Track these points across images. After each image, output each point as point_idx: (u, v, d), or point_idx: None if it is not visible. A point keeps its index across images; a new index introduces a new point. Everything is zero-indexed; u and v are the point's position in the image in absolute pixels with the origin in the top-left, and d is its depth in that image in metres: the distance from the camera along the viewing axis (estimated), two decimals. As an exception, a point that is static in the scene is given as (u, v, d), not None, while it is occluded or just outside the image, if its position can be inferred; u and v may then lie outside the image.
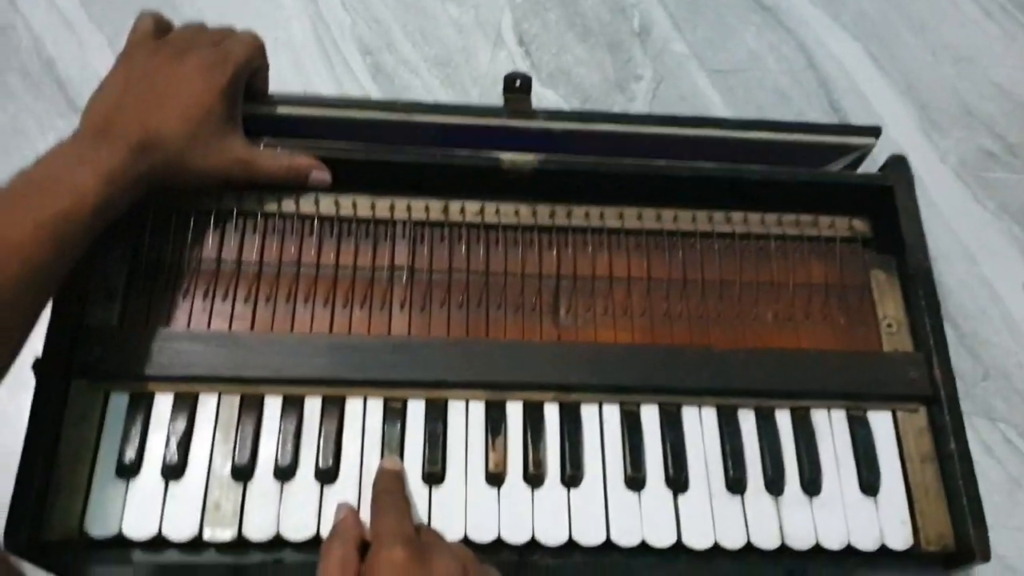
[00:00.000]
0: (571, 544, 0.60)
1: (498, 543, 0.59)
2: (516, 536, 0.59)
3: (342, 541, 0.54)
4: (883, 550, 0.61)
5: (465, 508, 0.60)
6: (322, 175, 0.68)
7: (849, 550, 0.61)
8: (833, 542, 0.61)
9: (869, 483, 0.63)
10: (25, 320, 0.56)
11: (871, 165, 0.77)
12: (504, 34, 1.01)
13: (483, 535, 0.59)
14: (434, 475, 0.60)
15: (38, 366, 0.60)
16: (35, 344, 0.59)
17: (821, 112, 1.00)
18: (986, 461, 0.87)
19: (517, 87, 0.72)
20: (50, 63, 0.97)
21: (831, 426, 0.64)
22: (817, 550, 0.61)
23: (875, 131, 0.74)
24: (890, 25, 1.06)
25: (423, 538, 0.55)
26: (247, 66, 0.67)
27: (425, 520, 0.60)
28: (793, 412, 0.64)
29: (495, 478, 0.61)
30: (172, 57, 0.65)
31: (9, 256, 0.54)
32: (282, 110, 0.71)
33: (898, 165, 0.71)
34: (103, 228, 0.60)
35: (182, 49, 0.66)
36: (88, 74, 0.96)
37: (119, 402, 0.61)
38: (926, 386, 0.65)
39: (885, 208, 0.70)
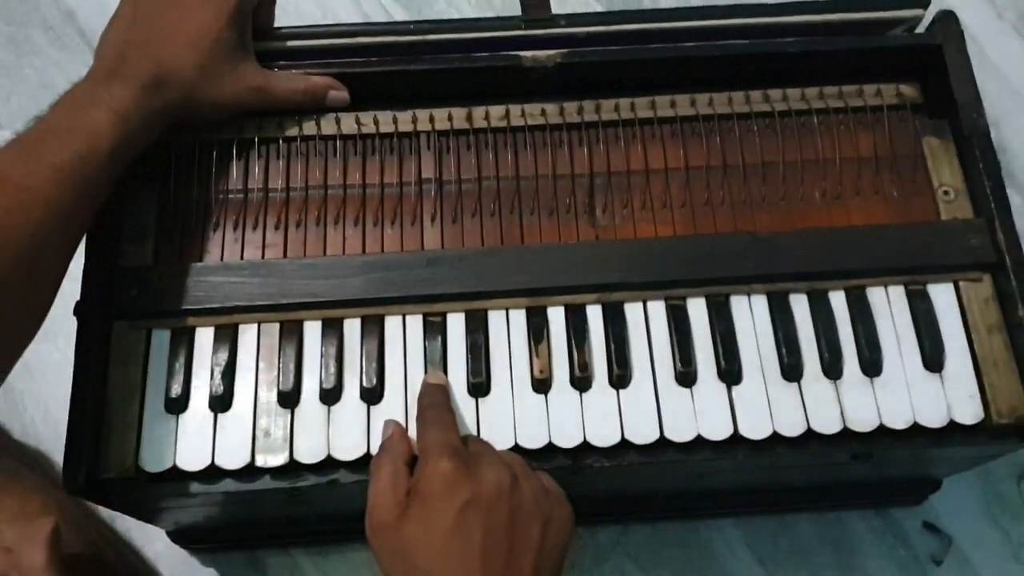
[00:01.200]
0: (624, 444, 0.58)
1: (550, 448, 0.58)
2: (567, 440, 0.58)
3: (391, 457, 0.54)
4: (952, 426, 0.59)
5: (513, 417, 0.59)
6: (340, 94, 0.66)
7: (916, 428, 0.59)
8: (898, 421, 0.58)
9: (933, 358, 0.60)
10: (56, 263, 0.56)
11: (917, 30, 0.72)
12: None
13: (533, 442, 0.58)
14: (479, 387, 0.59)
15: (78, 310, 0.60)
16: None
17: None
18: (1063, 331, 0.83)
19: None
20: (70, 14, 0.97)
21: (889, 303, 0.61)
22: (882, 431, 0.59)
23: (923, 1, 0.69)
24: None
25: (470, 448, 0.54)
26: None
27: (474, 432, 0.59)
28: (847, 292, 0.62)
29: (541, 384, 0.60)
30: None
31: (31, 201, 0.53)
32: (292, 44, 0.68)
33: (946, 21, 0.66)
34: (123, 167, 0.59)
35: None
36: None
37: (161, 339, 0.61)
38: (989, 252, 0.61)
39: (935, 69, 0.65)
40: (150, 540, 0.78)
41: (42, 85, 0.93)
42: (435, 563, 0.50)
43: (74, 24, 0.96)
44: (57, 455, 0.80)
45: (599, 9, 0.96)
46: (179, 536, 0.76)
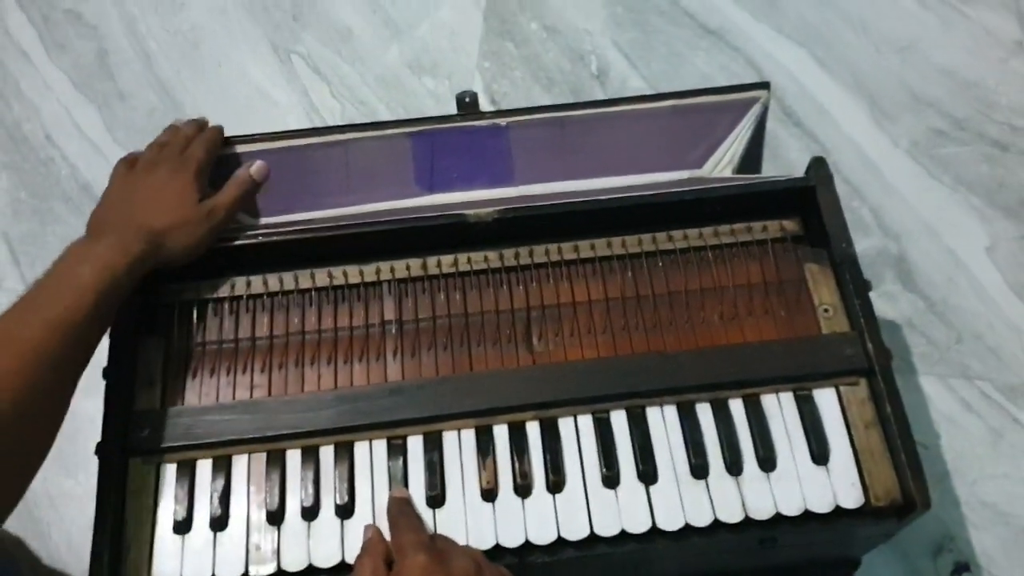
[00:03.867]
0: (561, 541, 0.69)
1: (497, 549, 0.69)
2: (512, 541, 0.68)
3: (371, 556, 0.64)
4: (838, 511, 0.69)
5: (465, 523, 0.69)
6: (258, 165, 0.83)
7: (807, 515, 0.69)
8: (791, 509, 0.69)
9: (819, 454, 0.70)
10: (50, 404, 0.66)
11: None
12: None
13: (483, 543, 0.68)
14: (435, 498, 0.70)
15: (99, 450, 0.71)
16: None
17: (776, 120, 1.08)
18: (966, 417, 0.94)
19: (467, 103, 0.88)
20: (87, 186, 1.11)
21: (780, 408, 0.72)
22: (778, 518, 0.69)
23: (764, 85, 0.85)
24: (831, 27, 1.14)
25: (438, 545, 0.65)
26: (209, 157, 0.81)
27: (432, 537, 0.69)
28: (745, 400, 0.72)
29: (488, 494, 0.70)
30: (145, 171, 0.79)
31: (26, 352, 0.64)
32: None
33: (818, 166, 0.79)
34: (112, 311, 0.71)
35: (152, 163, 0.80)
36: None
37: (168, 471, 0.72)
38: (862, 360, 0.72)
39: (810, 206, 0.78)
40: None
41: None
42: None
43: (90, 195, 1.11)
44: (80, 578, 0.90)
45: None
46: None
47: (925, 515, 0.70)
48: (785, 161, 1.05)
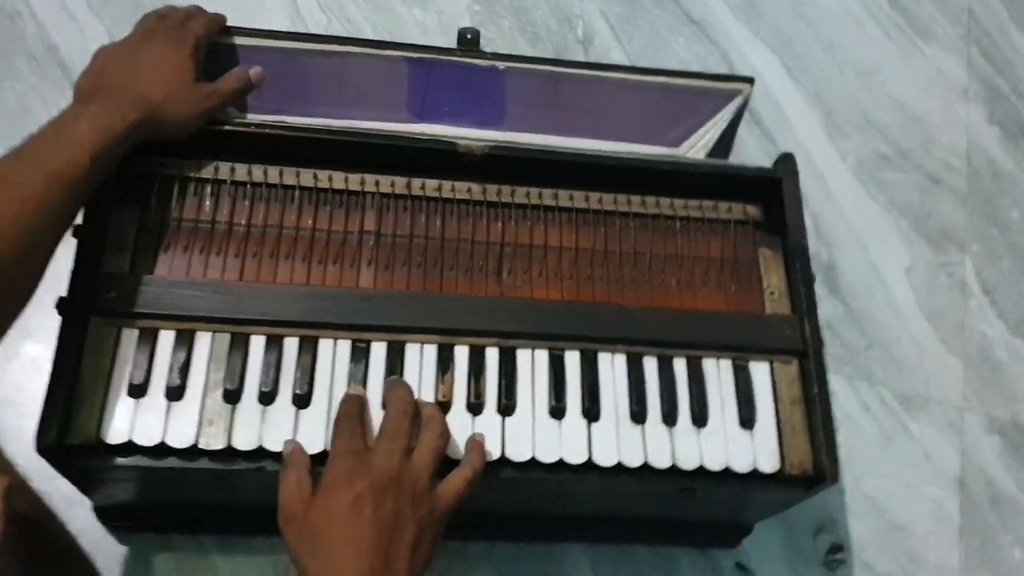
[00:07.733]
0: (503, 460, 0.73)
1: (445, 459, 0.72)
2: (457, 453, 0.72)
3: (295, 467, 0.67)
4: (755, 473, 0.75)
5: (417, 430, 0.73)
6: (257, 70, 0.85)
7: (727, 472, 0.75)
8: (714, 464, 0.75)
9: (747, 419, 0.77)
10: (46, 251, 0.67)
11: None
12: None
13: (430, 451, 0.72)
14: (391, 403, 0.73)
15: (61, 306, 0.72)
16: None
17: (740, 116, 1.14)
18: (864, 418, 1.02)
19: (468, 39, 0.90)
20: (54, 49, 1.08)
21: (719, 372, 0.78)
22: (701, 471, 0.75)
23: (749, 79, 0.90)
24: (803, 40, 1.21)
25: (367, 454, 0.67)
26: (207, 37, 0.82)
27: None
28: (688, 360, 0.78)
29: (442, 406, 0.74)
30: (142, 40, 0.80)
31: (29, 199, 0.65)
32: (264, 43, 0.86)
33: (786, 161, 0.85)
34: (103, 173, 0.71)
35: (150, 31, 0.81)
36: (89, 60, 1.07)
37: (130, 336, 0.73)
38: (798, 342, 0.79)
39: (773, 196, 0.84)
40: (71, 519, 0.88)
41: (21, 108, 1.04)
42: (335, 541, 0.62)
43: (56, 58, 1.08)
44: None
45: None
46: (102, 513, 0.86)
47: (812, 497, 0.77)
48: (743, 157, 1.11)
